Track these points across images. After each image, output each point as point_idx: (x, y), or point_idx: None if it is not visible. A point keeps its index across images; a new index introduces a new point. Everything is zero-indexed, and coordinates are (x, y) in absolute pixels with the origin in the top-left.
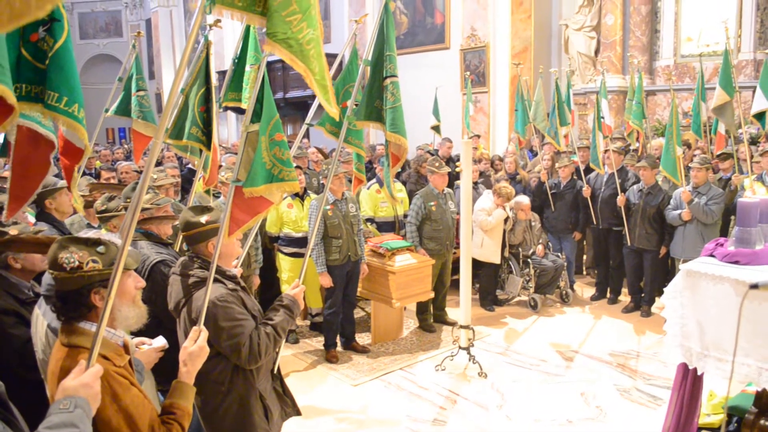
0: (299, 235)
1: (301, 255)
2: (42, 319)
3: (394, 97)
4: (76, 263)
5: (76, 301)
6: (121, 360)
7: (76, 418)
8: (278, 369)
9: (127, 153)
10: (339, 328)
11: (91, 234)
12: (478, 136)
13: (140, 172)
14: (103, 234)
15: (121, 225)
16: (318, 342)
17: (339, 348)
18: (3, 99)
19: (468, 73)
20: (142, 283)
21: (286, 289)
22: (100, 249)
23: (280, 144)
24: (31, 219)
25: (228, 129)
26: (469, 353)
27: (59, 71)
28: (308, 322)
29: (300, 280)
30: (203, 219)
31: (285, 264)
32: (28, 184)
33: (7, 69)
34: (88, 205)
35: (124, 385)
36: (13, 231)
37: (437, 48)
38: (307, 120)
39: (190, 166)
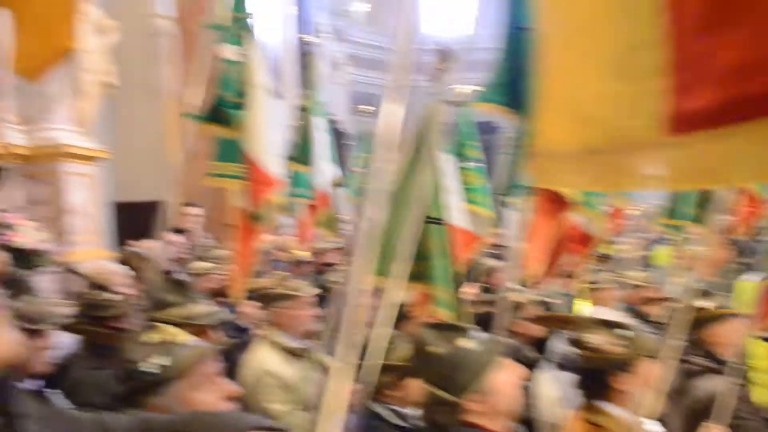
0: None
1: None
2: (550, 384)
3: None
4: (597, 344)
5: (596, 380)
6: None
7: None
8: None
9: None
10: None
11: (612, 317)
12: None
13: None
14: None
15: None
16: None
17: None
18: None
19: None
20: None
21: None
22: (622, 332)
23: None
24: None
25: None
26: None
27: None
28: None
29: None
30: (709, 304)
31: None
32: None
33: None
34: (570, 275)
35: None
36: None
37: None
38: None
39: None
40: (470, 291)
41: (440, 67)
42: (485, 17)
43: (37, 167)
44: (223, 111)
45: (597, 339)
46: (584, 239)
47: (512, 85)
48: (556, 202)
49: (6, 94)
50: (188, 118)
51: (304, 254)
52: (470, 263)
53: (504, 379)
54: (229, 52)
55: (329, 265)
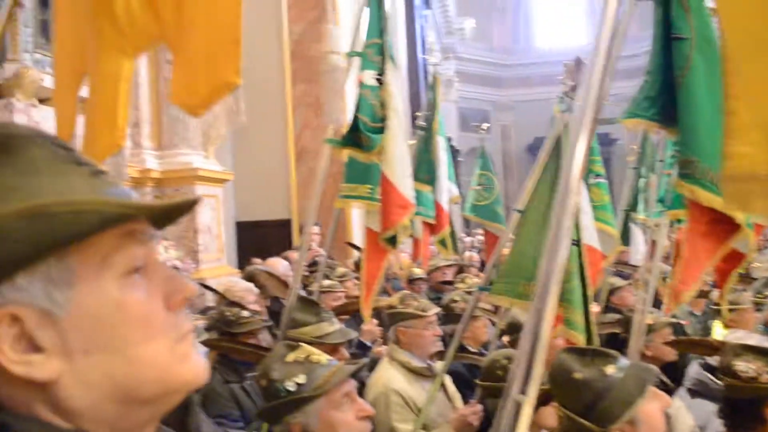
0: None
1: None
2: (685, 411)
3: None
4: (751, 373)
5: (746, 411)
6: None
7: None
8: None
9: None
10: None
11: (752, 341)
12: None
13: None
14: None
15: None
16: None
17: None
18: None
19: None
20: None
21: None
22: None
23: None
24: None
25: None
26: None
27: None
28: None
29: None
30: None
31: None
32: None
33: None
34: (702, 294)
35: None
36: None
37: None
38: None
39: None
40: (593, 311)
41: (570, 80)
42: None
43: (170, 189)
44: (362, 135)
45: (749, 366)
46: (733, 257)
47: (662, 98)
48: (722, 223)
49: (144, 122)
50: (329, 144)
51: (419, 271)
52: (595, 282)
53: (652, 408)
54: (367, 77)
55: (447, 282)
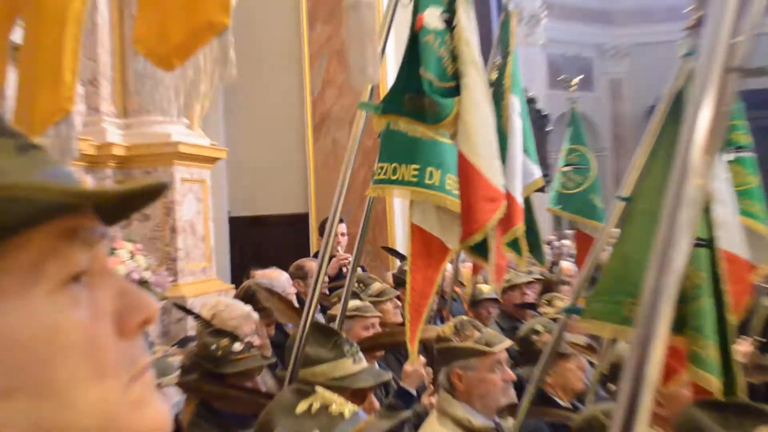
0: None
1: None
2: None
3: None
4: None
5: None
6: None
7: None
8: None
9: None
10: None
11: None
12: None
13: None
14: None
15: None
16: None
17: None
18: None
19: None
20: None
21: None
22: None
23: None
24: None
25: None
26: None
27: None
28: None
29: None
30: None
31: None
32: None
33: None
34: None
35: None
36: None
37: None
38: None
39: None
40: (743, 348)
41: (698, 11)
42: None
43: (139, 171)
44: (425, 99)
45: None
46: None
47: None
48: None
49: (103, 79)
50: (365, 109)
51: (488, 290)
52: (744, 306)
53: None
54: (431, 17)
55: (528, 306)
